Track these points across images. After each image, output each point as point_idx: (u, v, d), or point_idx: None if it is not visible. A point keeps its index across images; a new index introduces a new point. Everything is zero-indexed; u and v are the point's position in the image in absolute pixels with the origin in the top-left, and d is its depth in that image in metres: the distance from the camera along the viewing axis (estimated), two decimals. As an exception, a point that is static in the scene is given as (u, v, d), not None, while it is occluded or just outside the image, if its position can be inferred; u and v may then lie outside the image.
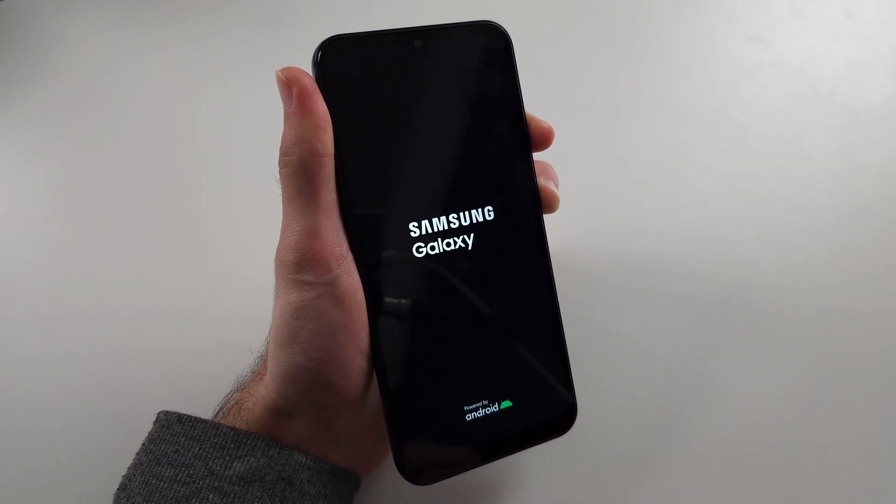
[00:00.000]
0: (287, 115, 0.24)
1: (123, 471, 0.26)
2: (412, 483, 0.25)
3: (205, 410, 0.28)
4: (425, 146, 0.26)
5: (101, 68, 0.43)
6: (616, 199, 0.39)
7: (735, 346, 0.35)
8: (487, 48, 0.26)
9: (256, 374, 0.28)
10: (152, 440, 0.26)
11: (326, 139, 0.24)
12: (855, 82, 0.44)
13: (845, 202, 0.40)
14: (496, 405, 0.26)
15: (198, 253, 0.37)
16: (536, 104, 0.29)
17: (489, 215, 0.26)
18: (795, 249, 0.38)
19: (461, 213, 0.26)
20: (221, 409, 0.27)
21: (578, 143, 0.41)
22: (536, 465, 0.32)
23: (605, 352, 0.35)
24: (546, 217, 0.28)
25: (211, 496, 0.24)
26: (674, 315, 0.36)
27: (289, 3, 0.45)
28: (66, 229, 0.38)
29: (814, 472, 0.32)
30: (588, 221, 0.38)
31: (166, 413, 0.26)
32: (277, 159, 0.24)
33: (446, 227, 0.26)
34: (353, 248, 0.25)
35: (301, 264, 0.24)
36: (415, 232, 0.25)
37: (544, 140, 0.28)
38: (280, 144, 0.24)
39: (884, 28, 0.46)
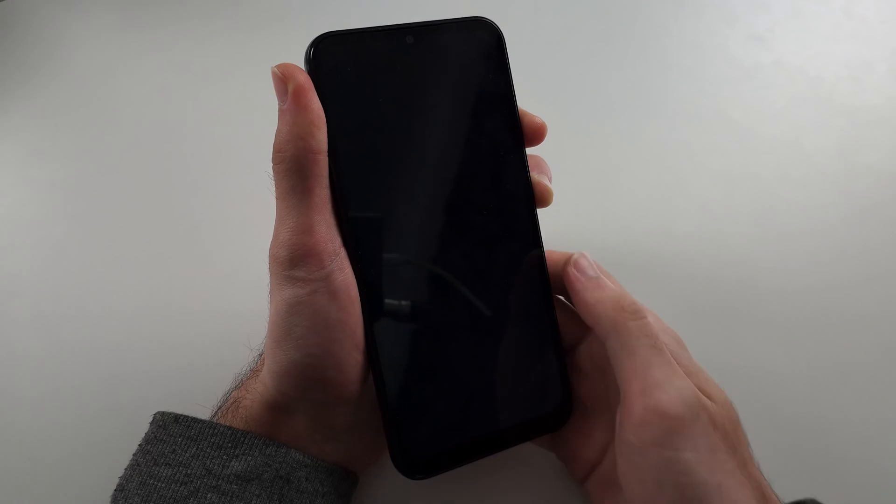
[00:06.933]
0: (282, 112, 0.24)
1: (122, 471, 0.25)
2: (408, 478, 0.25)
3: (206, 410, 0.28)
4: (418, 142, 0.25)
5: (101, 69, 0.43)
6: (615, 199, 0.39)
7: (734, 345, 0.35)
8: (480, 44, 0.26)
9: (254, 372, 0.28)
10: (149, 441, 0.26)
11: (321, 136, 0.23)
12: (855, 82, 0.44)
13: (845, 202, 0.40)
14: (491, 400, 0.26)
15: (198, 252, 0.37)
16: (536, 103, 0.28)
17: (484, 210, 0.26)
18: (795, 250, 0.38)
19: (455, 208, 0.26)
20: (220, 408, 0.27)
21: (578, 142, 0.41)
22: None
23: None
24: (544, 217, 0.28)
25: (209, 495, 0.24)
26: (673, 315, 0.36)
27: (289, 4, 0.45)
28: (66, 229, 0.38)
29: (814, 472, 0.32)
30: (587, 221, 0.38)
31: (163, 414, 0.26)
32: (271, 156, 0.24)
33: (440, 223, 0.26)
34: (347, 244, 0.24)
35: (294, 260, 0.23)
36: (408, 227, 0.25)
37: (537, 135, 0.27)
38: (274, 141, 0.24)
39: (884, 28, 0.46)
